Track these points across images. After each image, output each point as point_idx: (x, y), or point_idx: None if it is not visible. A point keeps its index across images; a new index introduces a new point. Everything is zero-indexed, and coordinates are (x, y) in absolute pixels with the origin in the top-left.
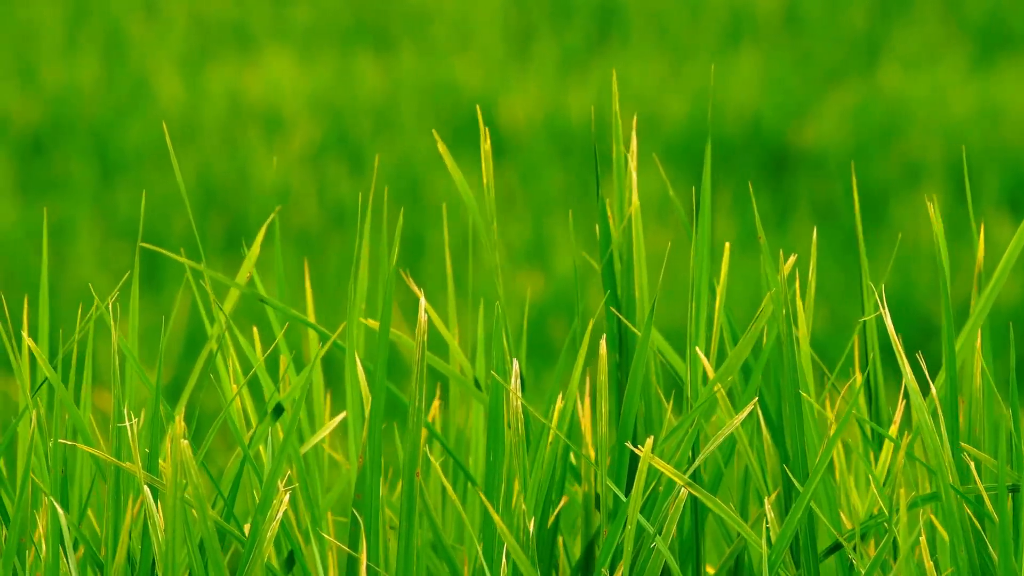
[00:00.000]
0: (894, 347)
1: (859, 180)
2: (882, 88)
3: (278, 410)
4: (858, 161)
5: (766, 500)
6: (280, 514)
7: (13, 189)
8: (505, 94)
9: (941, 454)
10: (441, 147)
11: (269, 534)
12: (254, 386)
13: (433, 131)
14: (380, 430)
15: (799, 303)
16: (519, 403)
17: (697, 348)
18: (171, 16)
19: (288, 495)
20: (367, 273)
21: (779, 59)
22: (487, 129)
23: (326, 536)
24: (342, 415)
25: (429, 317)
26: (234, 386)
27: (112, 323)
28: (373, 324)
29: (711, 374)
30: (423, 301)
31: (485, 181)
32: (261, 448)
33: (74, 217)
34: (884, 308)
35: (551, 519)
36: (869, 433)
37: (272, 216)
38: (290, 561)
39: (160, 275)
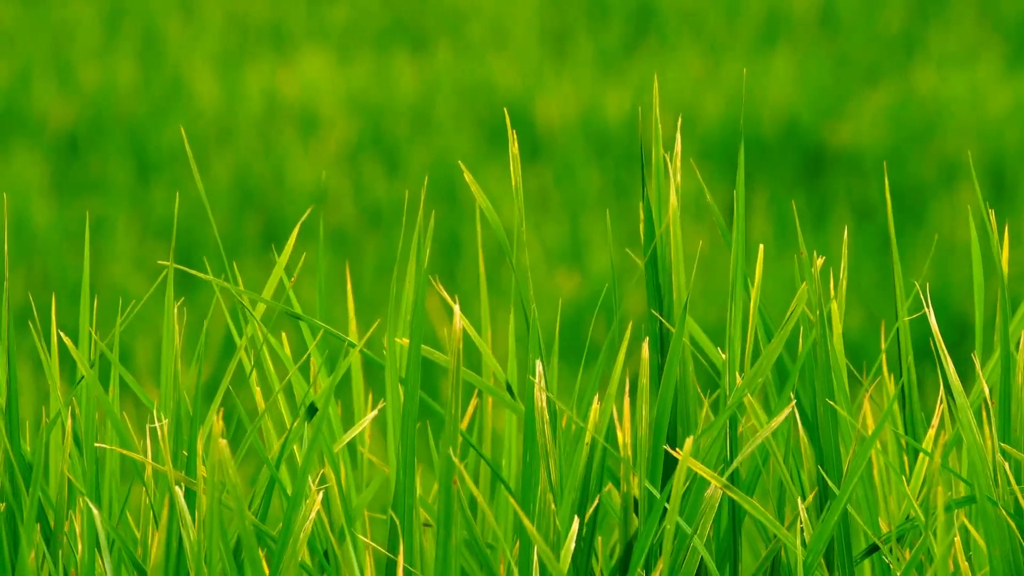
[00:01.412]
0: (938, 346)
1: (896, 180)
2: (918, 88)
3: (312, 410)
4: (894, 161)
5: (800, 503)
6: (313, 513)
7: (49, 189)
8: (541, 94)
9: (985, 457)
10: (462, 165)
11: (303, 535)
12: (290, 389)
13: (466, 131)
14: (414, 434)
15: (833, 305)
16: (545, 407)
17: (725, 353)
18: (207, 16)
19: (321, 494)
20: (409, 280)
21: (815, 59)
22: (518, 132)
23: (362, 538)
24: (372, 414)
25: (463, 325)
26: (258, 389)
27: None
28: (404, 343)
29: (745, 374)
30: (457, 310)
31: (514, 183)
32: (296, 448)
33: (110, 217)
34: (928, 307)
35: (586, 522)
36: (902, 439)
37: (305, 216)
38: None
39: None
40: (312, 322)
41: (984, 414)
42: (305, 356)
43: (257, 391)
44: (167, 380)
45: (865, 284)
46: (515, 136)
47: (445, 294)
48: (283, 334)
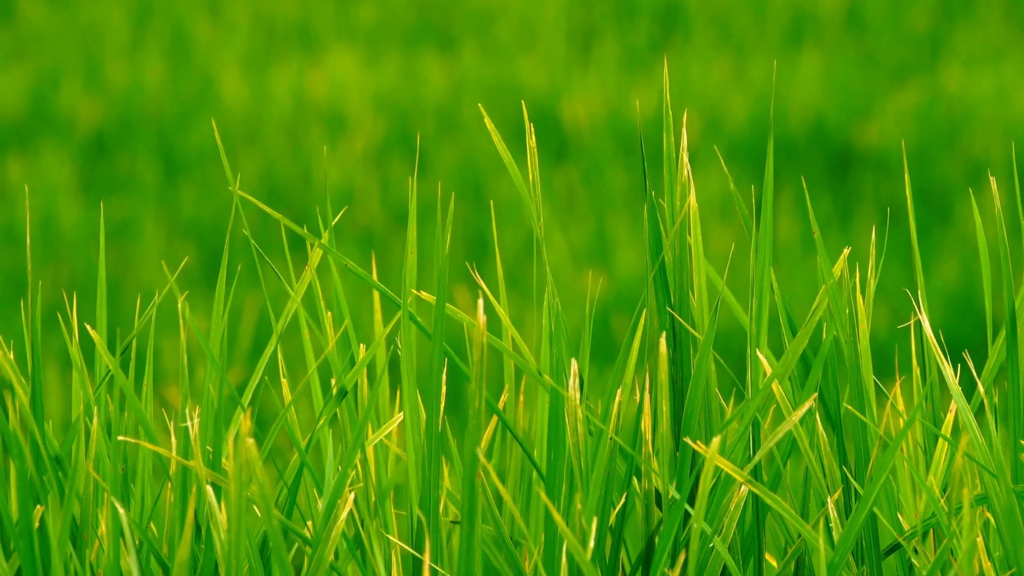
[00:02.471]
0: (933, 349)
1: (923, 179)
2: (945, 88)
3: (342, 393)
4: (921, 160)
5: (829, 500)
6: (345, 514)
7: (77, 189)
8: (568, 94)
9: (988, 456)
10: (500, 146)
11: (334, 533)
12: (318, 387)
13: (496, 137)
14: (437, 430)
15: (860, 301)
16: (577, 402)
17: (758, 350)
18: (235, 16)
19: (353, 495)
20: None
21: (842, 59)
22: (545, 132)
23: (389, 536)
24: (398, 417)
25: (502, 313)
26: (285, 381)
27: (180, 321)
28: (429, 297)
29: (769, 371)
30: (481, 303)
31: (531, 177)
32: (324, 437)
33: (138, 216)
34: (922, 312)
35: (612, 517)
36: (924, 433)
37: (336, 219)
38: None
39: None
40: (387, 293)
41: (988, 413)
42: (327, 351)
43: (284, 383)
44: (198, 377)
45: (891, 284)
46: (533, 130)
47: (479, 279)
48: (306, 334)
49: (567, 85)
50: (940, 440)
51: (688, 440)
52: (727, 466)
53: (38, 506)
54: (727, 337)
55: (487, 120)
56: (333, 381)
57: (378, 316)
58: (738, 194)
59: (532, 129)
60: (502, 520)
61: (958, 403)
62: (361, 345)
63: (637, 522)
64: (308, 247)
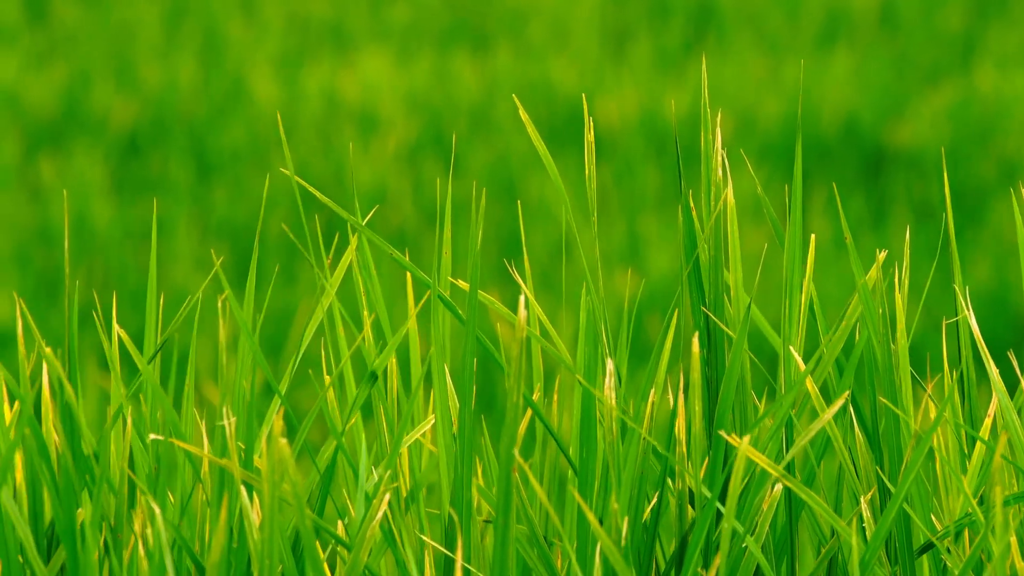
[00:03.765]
0: (979, 346)
1: (956, 179)
2: (978, 87)
3: (372, 377)
4: (955, 160)
5: (862, 499)
6: (380, 515)
7: (110, 189)
8: (601, 94)
9: None
10: (538, 144)
11: (369, 532)
12: (351, 380)
13: (529, 127)
14: (471, 428)
15: (898, 300)
16: (612, 402)
17: (792, 347)
18: (268, 17)
19: (388, 495)
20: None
21: (875, 59)
22: (577, 131)
23: (421, 536)
24: (430, 419)
25: (528, 315)
26: (327, 378)
27: (234, 309)
28: (464, 285)
29: (802, 368)
30: (522, 299)
31: (588, 172)
32: (358, 429)
33: (171, 216)
34: (968, 310)
35: (645, 515)
36: (962, 434)
37: (367, 218)
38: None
39: (257, 274)
40: (424, 278)
41: None
42: (357, 341)
43: (326, 378)
44: (233, 376)
45: (924, 284)
46: (591, 124)
47: (518, 277)
48: (340, 331)
49: (600, 85)
50: (979, 440)
51: (722, 433)
52: (760, 459)
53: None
54: (760, 338)
55: (523, 113)
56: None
57: (411, 306)
58: (765, 197)
59: (591, 123)
60: (535, 518)
61: (1001, 401)
62: (390, 352)
63: (670, 521)
64: (322, 246)
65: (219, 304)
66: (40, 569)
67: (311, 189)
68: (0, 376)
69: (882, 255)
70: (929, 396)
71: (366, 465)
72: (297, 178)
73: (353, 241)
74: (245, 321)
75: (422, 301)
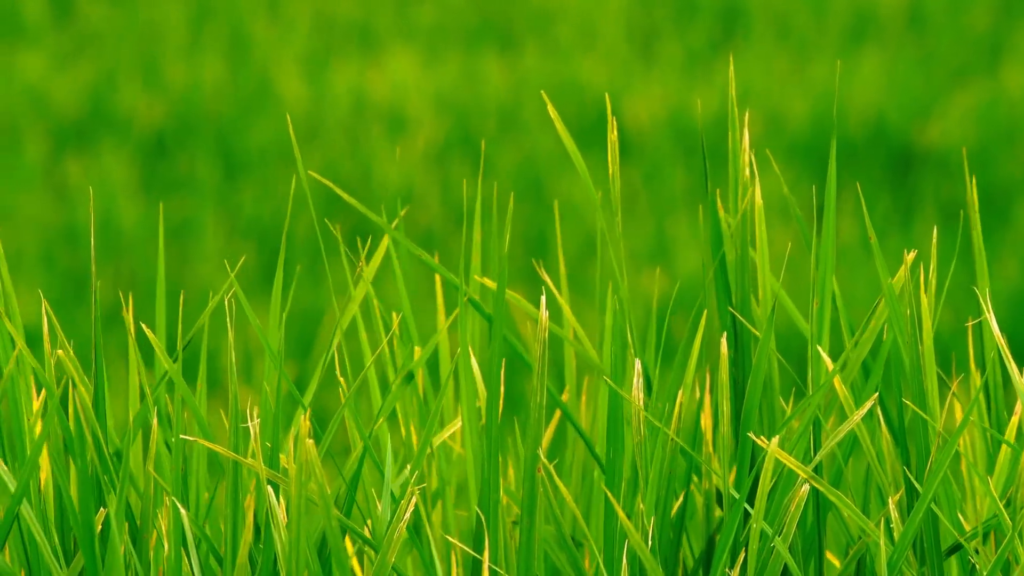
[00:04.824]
0: (1000, 348)
1: (983, 180)
2: (1006, 88)
3: (408, 377)
4: (982, 161)
5: (890, 500)
6: (407, 515)
7: (137, 188)
8: (629, 94)
9: None
10: (568, 142)
11: (397, 534)
12: (375, 384)
13: (559, 125)
14: (497, 427)
15: (924, 301)
16: (640, 402)
17: (819, 347)
18: (294, 16)
19: (415, 496)
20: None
21: (903, 59)
22: (604, 131)
23: (449, 538)
24: (457, 422)
25: (552, 313)
26: (344, 382)
27: (249, 314)
28: (490, 283)
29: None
30: (544, 298)
31: (611, 172)
32: (383, 432)
33: (198, 217)
34: (989, 311)
35: (672, 515)
36: (988, 436)
37: (396, 220)
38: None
39: (284, 274)
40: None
41: None
42: (383, 342)
43: (341, 380)
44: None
45: (952, 285)
46: (614, 124)
47: (544, 275)
48: (363, 335)
49: (627, 85)
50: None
51: (751, 435)
52: (788, 460)
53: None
54: (787, 339)
55: (552, 111)
56: (392, 379)
57: (440, 309)
58: (791, 197)
59: (614, 123)
60: (562, 519)
61: None
62: (416, 348)
63: (698, 521)
64: (359, 245)
65: (241, 305)
66: (57, 571)
67: (337, 190)
68: (30, 376)
69: (910, 256)
70: (954, 395)
71: (392, 466)
72: (318, 177)
73: (381, 247)
74: (272, 322)
75: (453, 315)
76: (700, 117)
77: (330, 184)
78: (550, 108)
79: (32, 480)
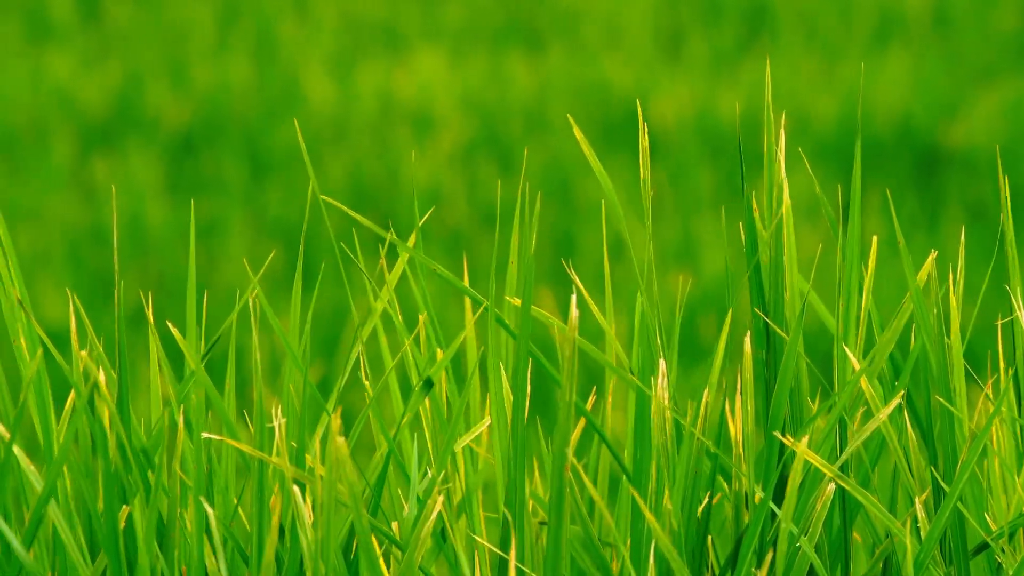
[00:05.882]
0: (1019, 348)
1: (1010, 180)
2: None
3: (428, 384)
4: (1009, 161)
5: (917, 499)
6: (435, 514)
7: (163, 189)
8: (655, 94)
9: None
10: (585, 148)
11: (424, 533)
12: (396, 389)
13: (577, 131)
14: (523, 428)
15: (952, 300)
16: (666, 401)
17: (845, 346)
18: (321, 16)
19: (442, 497)
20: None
21: (929, 59)
22: (631, 131)
23: (477, 538)
24: (486, 421)
25: (580, 313)
26: (366, 382)
27: (271, 317)
28: (516, 301)
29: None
30: (573, 299)
31: (642, 176)
32: (404, 436)
33: (225, 216)
34: (1020, 309)
35: (700, 516)
36: (1019, 433)
37: (423, 220)
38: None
39: (310, 274)
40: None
41: None
42: (405, 345)
43: (367, 383)
44: (286, 376)
45: (979, 286)
46: (645, 128)
47: (574, 274)
48: (383, 339)
49: (655, 85)
50: None
51: (777, 434)
52: (816, 460)
53: (124, 506)
54: (816, 339)
55: (575, 127)
56: (415, 381)
57: (468, 313)
58: (824, 197)
59: (644, 128)
60: (590, 521)
61: None
62: (438, 350)
63: (725, 522)
64: (383, 252)
65: (263, 305)
66: (85, 571)
67: (355, 204)
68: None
69: (933, 255)
70: (986, 395)
71: (417, 468)
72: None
73: (401, 260)
74: (292, 325)
75: (477, 313)
76: (727, 117)
77: (333, 200)
78: (571, 119)
79: (59, 480)
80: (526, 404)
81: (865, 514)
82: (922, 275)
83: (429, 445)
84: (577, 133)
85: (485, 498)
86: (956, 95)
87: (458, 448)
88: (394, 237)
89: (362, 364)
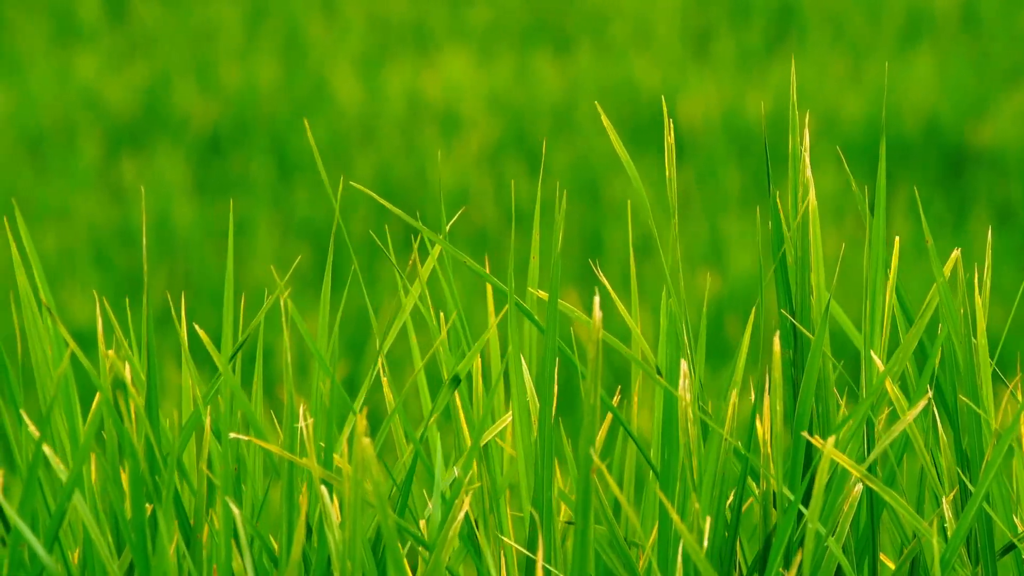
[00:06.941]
0: None
1: None
2: None
3: (455, 381)
4: None
5: (943, 499)
6: (462, 514)
7: (191, 189)
8: (683, 93)
9: None
10: (616, 144)
11: (450, 535)
12: (425, 387)
13: (608, 125)
14: (550, 427)
15: (977, 299)
16: (689, 402)
17: (871, 348)
18: (349, 17)
19: (468, 496)
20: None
21: (956, 59)
22: (659, 131)
23: (504, 539)
24: (507, 417)
25: (606, 313)
26: (384, 379)
27: (296, 319)
28: (542, 294)
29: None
30: (597, 300)
31: (668, 175)
32: (433, 435)
33: (252, 217)
34: None
35: (727, 516)
36: None
37: (452, 221)
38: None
39: (337, 273)
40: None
41: None
42: (435, 344)
43: (385, 381)
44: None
45: (1006, 286)
46: (671, 126)
47: (600, 273)
48: (413, 338)
49: (682, 85)
50: None
51: (805, 435)
52: (843, 460)
53: (148, 505)
54: (844, 337)
55: (604, 119)
56: (445, 378)
57: (491, 312)
58: (859, 194)
59: (671, 125)
60: (615, 521)
61: None
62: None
63: (753, 522)
64: (415, 245)
65: (295, 304)
66: (112, 569)
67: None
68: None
69: (955, 252)
70: (1011, 394)
71: (444, 467)
72: (361, 187)
73: (432, 256)
74: (321, 326)
75: (502, 313)
76: (755, 117)
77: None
78: (603, 117)
79: (87, 478)
80: (553, 404)
81: (892, 512)
82: (947, 272)
83: (462, 442)
84: (608, 128)
85: (511, 495)
86: (984, 95)
87: (480, 445)
88: (425, 229)
89: (380, 362)
